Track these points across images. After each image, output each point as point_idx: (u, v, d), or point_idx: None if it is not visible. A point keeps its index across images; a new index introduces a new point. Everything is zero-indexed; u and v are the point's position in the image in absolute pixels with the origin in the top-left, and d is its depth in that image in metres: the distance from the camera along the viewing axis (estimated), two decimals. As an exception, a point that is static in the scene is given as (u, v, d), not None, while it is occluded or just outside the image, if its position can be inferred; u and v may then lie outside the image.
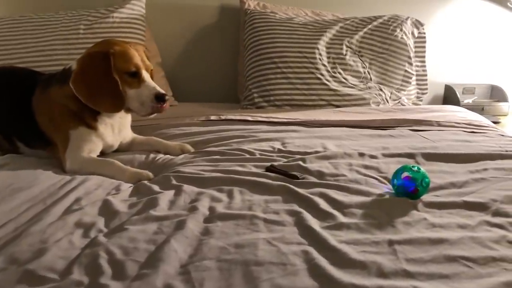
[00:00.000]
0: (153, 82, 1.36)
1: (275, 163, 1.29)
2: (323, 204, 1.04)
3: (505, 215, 1.02)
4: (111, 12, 2.04)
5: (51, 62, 1.91)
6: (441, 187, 1.16)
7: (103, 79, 1.30)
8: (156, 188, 1.15)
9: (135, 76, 1.34)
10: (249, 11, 2.20)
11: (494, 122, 2.27)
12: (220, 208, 1.02)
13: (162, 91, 1.34)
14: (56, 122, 1.38)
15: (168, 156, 1.43)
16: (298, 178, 1.19)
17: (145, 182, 1.21)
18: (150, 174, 1.28)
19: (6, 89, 1.48)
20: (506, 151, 1.44)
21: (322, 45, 2.09)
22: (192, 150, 1.47)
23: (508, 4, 2.52)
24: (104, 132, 1.40)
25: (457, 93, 2.51)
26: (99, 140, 1.40)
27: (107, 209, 1.02)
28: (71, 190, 1.11)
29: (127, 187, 1.19)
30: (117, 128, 1.45)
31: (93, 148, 1.38)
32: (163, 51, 2.27)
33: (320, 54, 2.07)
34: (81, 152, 1.35)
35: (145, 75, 1.36)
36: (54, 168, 1.31)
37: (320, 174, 1.24)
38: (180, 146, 1.47)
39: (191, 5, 2.34)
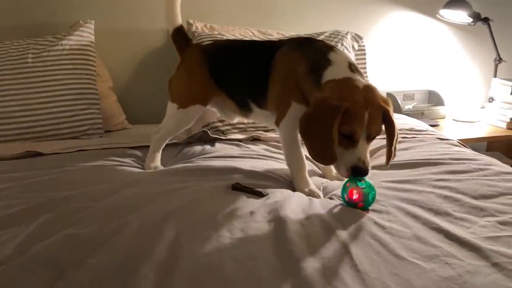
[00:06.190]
0: (362, 151, 1.17)
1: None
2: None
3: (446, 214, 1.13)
4: (60, 40, 2.03)
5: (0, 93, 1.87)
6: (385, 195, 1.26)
7: (324, 131, 1.15)
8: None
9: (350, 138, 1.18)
10: (197, 34, 2.25)
11: (433, 125, 2.45)
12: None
13: (362, 165, 1.16)
14: (285, 82, 1.35)
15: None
16: (263, 195, 1.24)
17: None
18: (321, 195, 1.32)
19: (252, 54, 1.47)
20: (444, 154, 1.58)
21: (270, 63, 2.17)
22: None
23: (437, 15, 2.73)
24: None
25: (398, 100, 2.67)
26: None
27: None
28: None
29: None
30: None
31: None
32: (114, 76, 2.28)
33: (269, 72, 2.14)
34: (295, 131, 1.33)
35: (361, 141, 1.17)
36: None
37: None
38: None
39: (139, 29, 2.37)
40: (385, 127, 1.23)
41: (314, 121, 1.17)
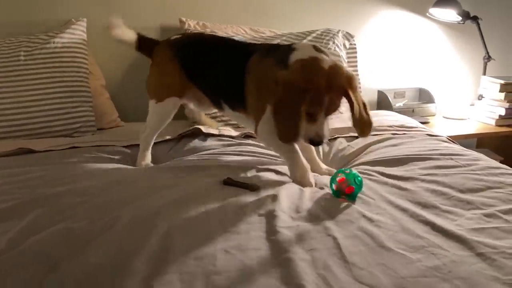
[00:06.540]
0: (321, 125, 1.27)
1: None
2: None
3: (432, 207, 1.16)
4: (52, 38, 2.03)
5: (-8, 91, 1.88)
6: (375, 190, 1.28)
7: (292, 112, 1.24)
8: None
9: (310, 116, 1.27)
10: (189, 31, 2.26)
11: (424, 122, 2.48)
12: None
13: (318, 139, 1.26)
14: (260, 90, 1.38)
15: None
16: (255, 189, 1.25)
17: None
18: (313, 185, 1.35)
19: (223, 57, 1.50)
20: (433, 149, 1.61)
21: (262, 61, 2.18)
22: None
23: (427, 14, 2.76)
24: None
25: (389, 97, 2.70)
26: None
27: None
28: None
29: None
30: None
31: None
32: (107, 74, 2.29)
33: (261, 69, 2.16)
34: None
35: (320, 118, 1.26)
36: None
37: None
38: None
39: (132, 27, 2.36)
40: (349, 103, 1.29)
41: (283, 103, 1.24)
